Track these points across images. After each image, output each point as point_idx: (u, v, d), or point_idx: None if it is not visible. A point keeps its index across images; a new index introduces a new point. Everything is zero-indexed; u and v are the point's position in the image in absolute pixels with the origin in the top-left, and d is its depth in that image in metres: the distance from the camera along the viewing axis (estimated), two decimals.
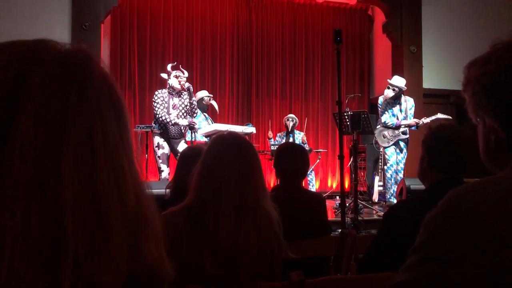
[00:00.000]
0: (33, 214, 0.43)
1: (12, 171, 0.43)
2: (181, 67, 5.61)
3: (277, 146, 3.11)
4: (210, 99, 6.33)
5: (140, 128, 5.47)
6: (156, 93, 5.39)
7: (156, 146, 5.37)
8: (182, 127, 5.42)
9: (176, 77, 5.36)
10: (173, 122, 5.28)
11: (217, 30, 8.11)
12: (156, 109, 5.29)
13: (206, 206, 1.39)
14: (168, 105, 5.33)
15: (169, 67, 5.55)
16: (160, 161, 5.36)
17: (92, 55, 0.52)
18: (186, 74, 5.50)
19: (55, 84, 0.47)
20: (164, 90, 5.40)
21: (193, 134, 5.36)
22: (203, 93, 6.28)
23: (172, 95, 5.38)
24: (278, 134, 7.22)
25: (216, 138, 1.53)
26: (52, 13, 5.92)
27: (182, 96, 5.43)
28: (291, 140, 6.81)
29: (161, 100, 5.29)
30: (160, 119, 5.27)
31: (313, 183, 7.08)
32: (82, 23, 5.98)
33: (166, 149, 5.38)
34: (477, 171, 1.10)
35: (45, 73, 0.47)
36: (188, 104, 5.39)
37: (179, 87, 5.32)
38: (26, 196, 0.43)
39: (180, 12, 7.93)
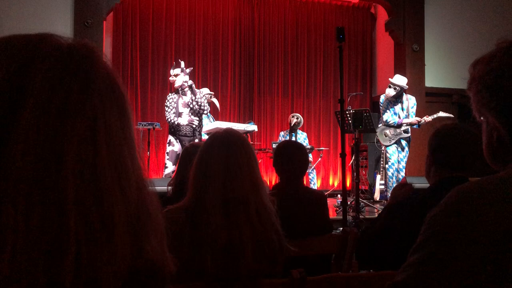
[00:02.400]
0: (35, 209, 0.43)
1: (14, 166, 0.43)
2: (182, 64, 5.58)
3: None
4: (211, 97, 6.34)
5: (142, 125, 5.48)
6: (167, 96, 5.57)
7: (167, 143, 5.52)
8: (195, 126, 5.47)
9: (175, 75, 5.44)
10: (176, 123, 5.40)
11: (219, 27, 8.10)
12: (166, 112, 5.48)
13: (198, 203, 1.40)
14: (177, 105, 5.42)
15: (171, 71, 5.59)
16: (167, 157, 5.44)
17: (95, 50, 0.52)
18: (182, 64, 5.51)
19: (58, 78, 0.47)
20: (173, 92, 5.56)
21: (195, 132, 5.43)
22: (204, 91, 6.29)
23: (180, 94, 5.47)
24: (281, 133, 7.21)
25: (210, 136, 1.54)
26: (54, 10, 5.92)
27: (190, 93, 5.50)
28: (293, 138, 6.80)
29: (169, 103, 5.47)
30: (167, 120, 5.45)
31: (314, 181, 7.08)
32: (85, 21, 5.98)
33: (176, 147, 5.45)
34: (483, 170, 1.10)
35: (48, 67, 0.47)
36: (193, 101, 5.41)
37: (176, 84, 5.42)
38: (28, 192, 0.43)
39: (182, 10, 7.92)
